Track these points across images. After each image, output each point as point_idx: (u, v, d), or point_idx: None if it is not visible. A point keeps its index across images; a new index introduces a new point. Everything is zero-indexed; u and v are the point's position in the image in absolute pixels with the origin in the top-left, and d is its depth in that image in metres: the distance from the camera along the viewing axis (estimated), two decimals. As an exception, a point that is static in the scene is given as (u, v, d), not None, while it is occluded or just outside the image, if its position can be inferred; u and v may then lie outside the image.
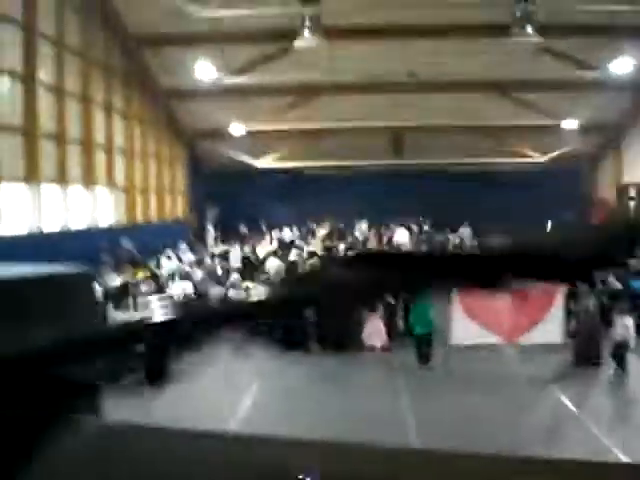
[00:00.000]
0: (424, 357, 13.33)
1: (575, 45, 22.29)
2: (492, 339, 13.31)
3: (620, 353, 12.40)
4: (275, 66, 23.07)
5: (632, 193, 29.38)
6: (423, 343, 13.33)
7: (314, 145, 28.79)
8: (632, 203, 29.50)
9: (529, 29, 20.87)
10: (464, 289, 12.74)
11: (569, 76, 23.87)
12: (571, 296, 13.94)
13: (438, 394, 11.78)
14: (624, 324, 12.25)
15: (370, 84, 24.78)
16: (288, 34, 21.10)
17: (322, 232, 28.24)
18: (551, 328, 13.20)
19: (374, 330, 14.25)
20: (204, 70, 21.95)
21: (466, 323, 13.18)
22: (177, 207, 29.59)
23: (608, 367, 12.57)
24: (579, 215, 29.86)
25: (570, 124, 26.73)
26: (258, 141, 28.06)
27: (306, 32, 20.37)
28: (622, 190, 29.99)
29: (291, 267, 18.99)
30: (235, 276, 17.30)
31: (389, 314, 14.72)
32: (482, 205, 28.12)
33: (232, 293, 16.33)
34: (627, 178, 29.48)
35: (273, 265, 20.22)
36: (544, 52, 22.33)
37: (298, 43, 21.10)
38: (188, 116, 27.33)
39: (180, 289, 16.85)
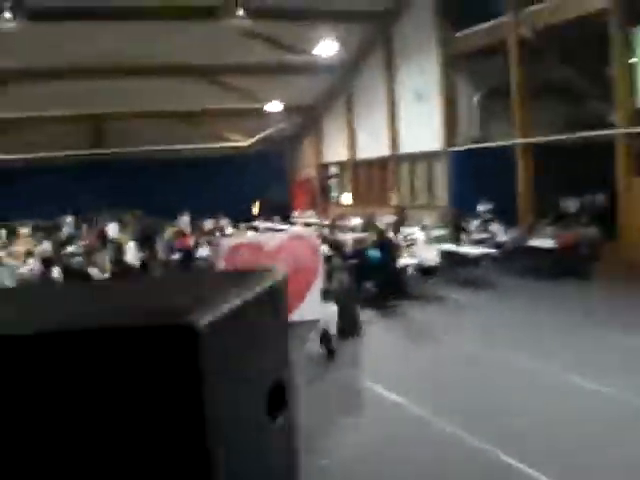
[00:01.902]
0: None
1: (281, 29, 22.78)
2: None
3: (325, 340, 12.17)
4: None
5: (332, 171, 30.98)
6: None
7: (7, 136, 26.41)
8: (332, 181, 31.12)
9: (239, 12, 20.96)
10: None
11: (273, 59, 24.41)
12: (328, 272, 14.17)
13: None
14: (326, 312, 12.05)
15: (71, 69, 23.20)
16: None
17: (24, 231, 25.96)
18: (314, 305, 13.33)
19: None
20: None
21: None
22: None
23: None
24: (285, 193, 30.89)
25: (274, 107, 27.33)
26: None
27: (5, 13, 18.53)
28: (322, 168, 31.49)
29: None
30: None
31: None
32: (194, 191, 27.84)
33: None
34: (327, 157, 30.98)
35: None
36: (250, 36, 22.50)
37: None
38: None
39: None
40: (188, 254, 16.90)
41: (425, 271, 17.01)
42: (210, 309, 2.06)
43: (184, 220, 25.82)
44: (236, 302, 2.19)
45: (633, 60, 17.01)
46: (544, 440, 7.50)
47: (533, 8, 19.03)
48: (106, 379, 1.94)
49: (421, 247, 17.44)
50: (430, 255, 17.09)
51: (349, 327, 12.57)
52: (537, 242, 17.88)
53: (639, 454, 6.96)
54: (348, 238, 18.39)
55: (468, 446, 7.52)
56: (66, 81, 23.97)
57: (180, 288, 2.64)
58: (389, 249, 16.40)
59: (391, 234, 18.18)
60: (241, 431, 2.03)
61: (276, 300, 2.39)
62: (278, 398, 2.24)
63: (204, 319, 1.96)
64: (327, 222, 24.48)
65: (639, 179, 17.15)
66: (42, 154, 27.01)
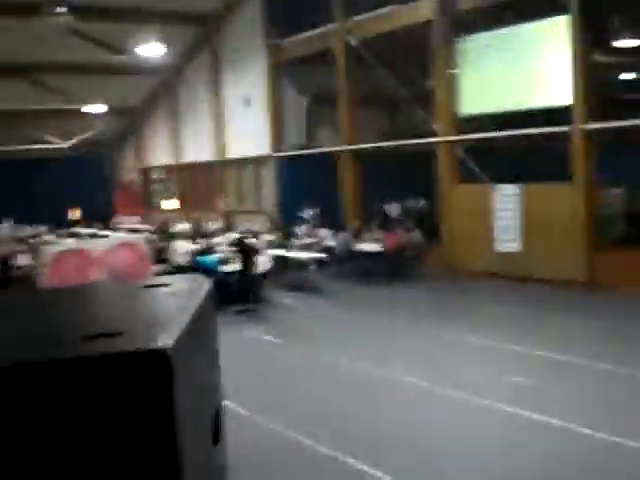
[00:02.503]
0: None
1: (105, 28, 22.07)
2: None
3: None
4: None
5: (157, 175, 30.32)
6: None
7: None
8: (157, 185, 30.48)
9: (61, 9, 20.04)
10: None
11: (97, 59, 23.56)
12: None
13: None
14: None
15: None
16: None
17: None
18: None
19: None
20: None
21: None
22: None
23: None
24: (107, 198, 29.85)
25: (97, 108, 26.34)
26: None
27: None
28: (147, 172, 30.75)
29: None
30: None
31: None
32: (10, 197, 26.20)
33: None
34: (152, 160, 30.25)
35: None
36: (74, 34, 21.58)
37: None
38: None
39: None
40: (5, 264, 15.93)
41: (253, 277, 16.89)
42: (167, 329, 1.96)
43: (3, 228, 24.26)
44: (186, 319, 2.09)
45: (454, 70, 17.80)
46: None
47: (360, 17, 19.48)
48: (76, 411, 1.85)
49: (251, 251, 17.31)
50: (262, 260, 17.05)
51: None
52: (364, 246, 18.32)
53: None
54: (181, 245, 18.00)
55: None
56: None
57: (113, 305, 2.56)
58: (247, 256, 16.20)
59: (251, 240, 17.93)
60: (196, 456, 2.01)
61: (211, 314, 2.35)
62: (217, 423, 2.25)
63: (170, 341, 1.88)
64: (153, 228, 23.88)
65: (459, 186, 17.99)
66: None
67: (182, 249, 17.47)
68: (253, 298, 15.94)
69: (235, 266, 16.75)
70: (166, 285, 2.63)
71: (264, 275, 16.94)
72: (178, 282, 2.77)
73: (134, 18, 21.78)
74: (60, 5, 19.75)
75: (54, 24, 20.16)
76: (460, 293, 16.20)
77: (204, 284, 2.63)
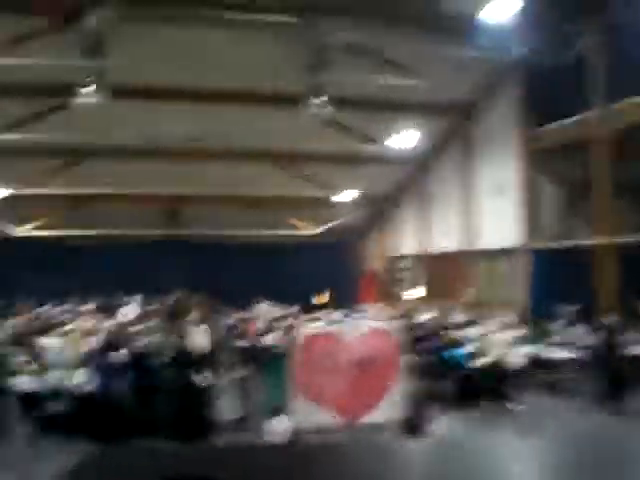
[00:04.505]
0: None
1: (359, 119, 22.58)
2: (332, 421, 12.18)
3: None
4: (46, 125, 20.80)
5: (403, 264, 30.22)
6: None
7: (81, 212, 26.50)
8: (403, 274, 30.34)
9: (321, 100, 20.38)
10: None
11: (349, 148, 24.15)
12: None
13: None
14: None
15: (149, 149, 23.31)
16: (65, 90, 18.76)
17: (89, 308, 25.47)
18: (394, 405, 12.39)
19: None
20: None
21: (305, 404, 12.00)
22: None
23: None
24: (352, 284, 30.18)
25: (345, 196, 26.92)
26: (21, 206, 25.19)
27: (87, 88, 18.36)
28: (392, 260, 30.78)
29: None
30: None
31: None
32: (259, 278, 27.28)
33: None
34: (397, 249, 30.30)
35: (53, 345, 17.70)
36: (329, 124, 22.13)
37: (78, 99, 18.88)
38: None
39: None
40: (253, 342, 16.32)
41: (503, 374, 15.79)
42: None
43: (261, 308, 24.38)
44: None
45: None
46: None
47: (619, 105, 18.37)
48: None
49: (501, 347, 16.34)
50: (514, 357, 16.02)
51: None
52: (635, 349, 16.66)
53: None
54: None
55: None
56: (142, 160, 24.07)
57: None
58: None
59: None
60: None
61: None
62: None
63: None
64: (397, 315, 23.61)
65: None
66: (112, 232, 27.02)
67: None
68: (504, 396, 14.96)
69: (486, 360, 15.93)
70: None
71: (515, 373, 15.91)
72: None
73: (387, 108, 22.08)
74: (320, 96, 20.10)
75: (311, 114, 20.51)
76: None
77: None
